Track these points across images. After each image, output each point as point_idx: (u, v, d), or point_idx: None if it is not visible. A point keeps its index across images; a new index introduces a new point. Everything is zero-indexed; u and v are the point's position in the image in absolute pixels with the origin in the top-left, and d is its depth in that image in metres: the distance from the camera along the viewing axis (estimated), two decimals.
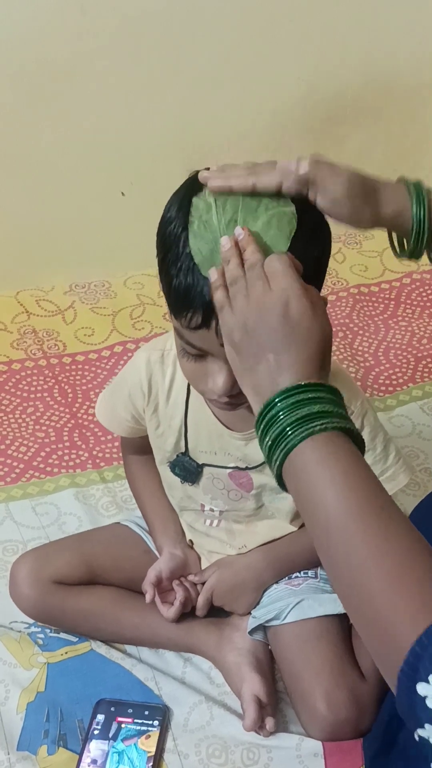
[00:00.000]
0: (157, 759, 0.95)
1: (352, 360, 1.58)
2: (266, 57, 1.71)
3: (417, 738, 0.54)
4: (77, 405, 1.49)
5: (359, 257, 1.86)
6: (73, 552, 1.07)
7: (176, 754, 0.96)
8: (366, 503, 0.58)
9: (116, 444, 1.39)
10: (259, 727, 0.96)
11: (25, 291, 1.75)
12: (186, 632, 1.05)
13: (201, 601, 1.04)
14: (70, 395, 1.51)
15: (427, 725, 0.53)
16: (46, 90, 1.60)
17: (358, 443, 0.62)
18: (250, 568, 1.03)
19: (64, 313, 1.70)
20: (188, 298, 0.73)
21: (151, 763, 0.93)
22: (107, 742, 0.96)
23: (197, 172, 0.76)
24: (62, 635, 1.08)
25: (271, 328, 0.64)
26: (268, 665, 1.03)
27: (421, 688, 0.52)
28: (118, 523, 1.15)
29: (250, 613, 1.04)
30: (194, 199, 0.74)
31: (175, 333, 0.80)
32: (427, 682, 0.51)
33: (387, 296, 1.76)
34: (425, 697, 0.52)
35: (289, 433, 0.61)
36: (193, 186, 0.75)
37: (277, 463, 0.62)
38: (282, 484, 0.64)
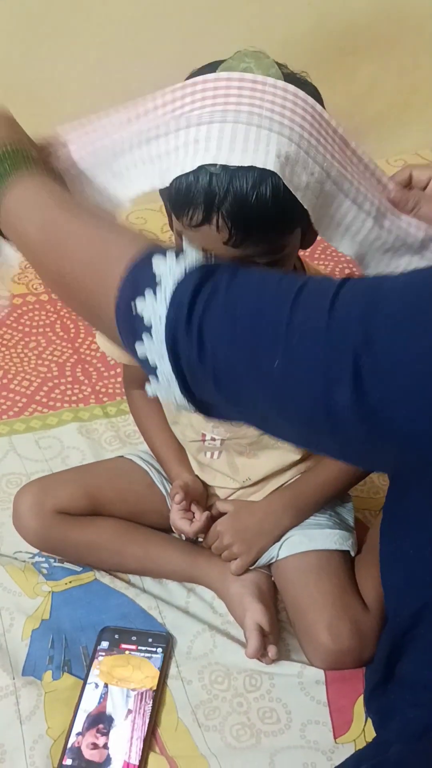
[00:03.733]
0: (161, 685, 0.96)
1: None
2: None
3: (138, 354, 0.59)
4: (80, 340, 1.48)
5: None
6: (76, 483, 1.07)
7: (179, 680, 0.97)
8: (65, 206, 0.67)
9: (119, 379, 1.38)
10: (261, 655, 0.97)
11: None
12: (190, 563, 1.06)
13: (210, 535, 1.03)
14: (73, 330, 1.49)
15: (145, 337, 0.58)
16: (48, 23, 1.55)
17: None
18: (269, 513, 1.02)
19: None
20: (189, 195, 0.72)
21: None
22: None
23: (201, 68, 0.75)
24: (66, 565, 1.08)
25: None
26: (271, 595, 1.03)
27: (139, 305, 0.57)
28: (122, 456, 1.15)
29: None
30: None
31: (176, 237, 0.79)
32: (143, 296, 0.57)
33: None
34: (141, 313, 0.57)
35: None
36: None
37: None
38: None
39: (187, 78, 0.75)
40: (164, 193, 0.77)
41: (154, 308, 0.57)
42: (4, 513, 1.14)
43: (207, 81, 0.72)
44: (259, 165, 0.69)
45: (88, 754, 0.89)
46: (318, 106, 0.72)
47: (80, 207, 0.69)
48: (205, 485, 1.06)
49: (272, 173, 0.69)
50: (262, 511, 1.02)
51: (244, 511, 1.03)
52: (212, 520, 1.03)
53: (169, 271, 0.57)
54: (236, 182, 0.70)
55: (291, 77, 0.73)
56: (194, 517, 1.02)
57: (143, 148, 0.75)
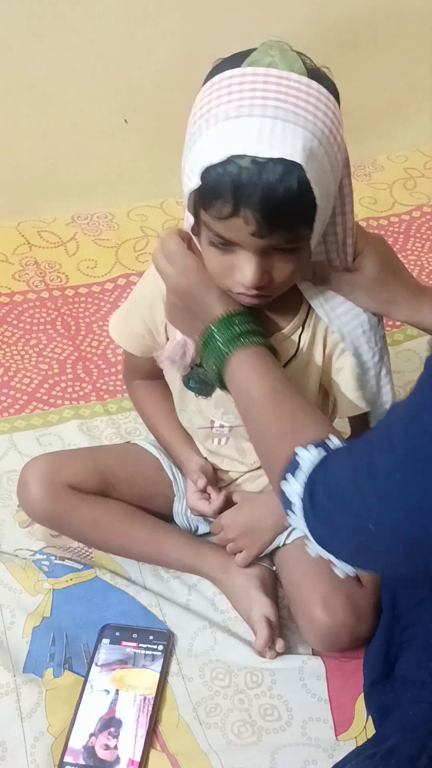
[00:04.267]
0: (162, 682, 0.96)
1: None
2: None
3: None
4: (80, 338, 1.47)
5: (368, 189, 1.81)
6: (87, 460, 1.06)
7: (180, 677, 0.97)
8: (268, 390, 0.83)
9: (120, 377, 1.38)
10: (269, 647, 0.97)
11: (26, 222, 1.71)
12: (194, 553, 1.06)
13: (216, 524, 1.03)
14: (73, 328, 1.49)
15: (289, 512, 0.75)
16: (47, 15, 1.54)
17: (273, 352, 0.86)
18: (274, 507, 1.00)
19: (67, 245, 1.67)
20: (219, 188, 0.74)
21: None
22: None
23: (220, 60, 0.78)
24: (67, 562, 1.08)
25: (183, 292, 0.86)
26: (274, 589, 1.04)
27: (284, 485, 0.74)
28: (129, 441, 1.15)
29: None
30: None
31: (203, 227, 0.81)
32: (287, 480, 0.74)
33: (396, 230, 1.72)
34: (285, 491, 0.74)
35: (224, 349, 0.84)
36: None
37: (217, 370, 0.85)
38: (222, 386, 0.87)
39: (212, 68, 0.79)
40: (185, 181, 0.79)
41: (294, 489, 0.72)
42: (5, 510, 1.14)
43: (233, 77, 0.75)
44: (288, 157, 0.72)
45: (102, 754, 0.90)
46: (336, 108, 0.77)
47: (293, 387, 0.83)
48: (214, 468, 1.06)
49: (297, 166, 0.73)
50: (267, 506, 1.02)
51: (248, 505, 1.03)
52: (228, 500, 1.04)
53: (308, 459, 0.73)
54: (265, 176, 0.72)
55: (314, 71, 0.77)
56: (211, 497, 1.03)
57: (188, 158, 0.79)
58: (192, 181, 0.77)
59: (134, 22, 1.61)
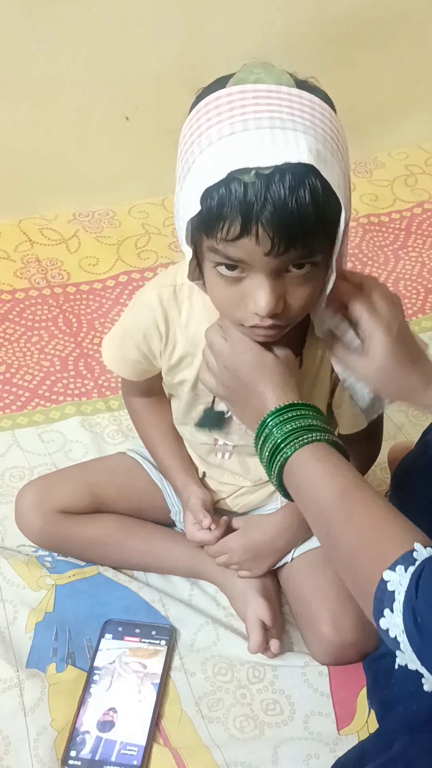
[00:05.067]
0: (164, 677, 0.96)
1: None
2: None
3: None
4: (82, 335, 1.48)
5: (369, 186, 1.81)
6: (77, 481, 1.07)
7: (183, 672, 0.98)
8: (338, 495, 0.72)
9: None
10: (263, 649, 0.97)
11: (28, 219, 1.71)
12: (193, 558, 1.06)
13: (216, 548, 1.01)
14: (75, 325, 1.50)
15: (398, 653, 0.66)
16: (47, 11, 1.54)
17: (338, 448, 0.75)
18: (283, 531, 1.00)
19: (68, 242, 1.67)
20: (223, 208, 0.68)
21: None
22: None
23: (202, 89, 0.73)
24: (69, 559, 1.08)
25: (242, 375, 0.78)
26: (274, 589, 1.03)
27: (383, 623, 0.66)
28: (123, 453, 1.14)
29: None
30: None
31: (206, 256, 0.74)
32: (384, 616, 0.65)
33: (397, 226, 1.72)
34: (387, 630, 0.66)
35: (282, 446, 0.74)
36: None
37: (276, 472, 0.75)
38: (281, 489, 0.76)
39: (196, 97, 0.74)
40: (182, 214, 0.73)
41: (395, 623, 0.64)
42: (8, 506, 1.15)
43: (219, 98, 0.70)
44: (294, 160, 0.66)
45: (105, 749, 0.90)
46: (334, 116, 0.72)
47: (366, 486, 0.73)
48: (214, 481, 1.04)
49: (307, 175, 0.67)
50: (275, 529, 1.00)
51: (255, 529, 1.01)
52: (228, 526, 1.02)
53: (400, 584, 0.64)
54: (273, 188, 0.66)
55: (302, 84, 0.72)
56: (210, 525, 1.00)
57: (183, 188, 0.73)
58: (191, 207, 0.70)
59: (135, 19, 1.61)
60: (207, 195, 0.68)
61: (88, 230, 1.70)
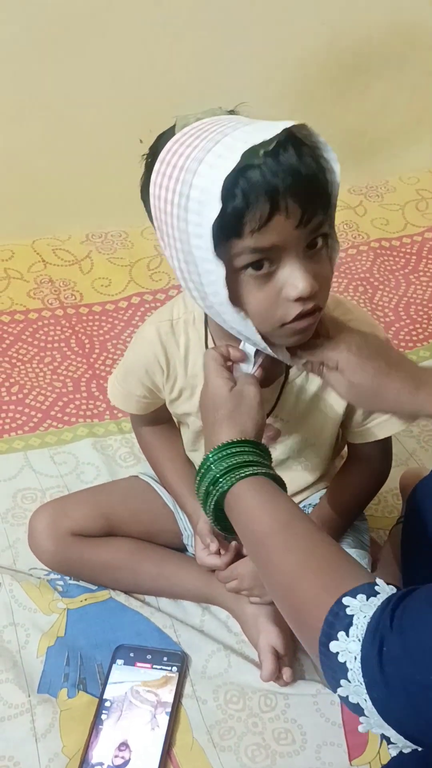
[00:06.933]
0: (176, 704, 0.96)
1: (371, 315, 1.56)
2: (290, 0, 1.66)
3: (339, 699, 0.63)
4: (95, 356, 1.48)
5: (381, 211, 1.82)
6: (90, 504, 1.07)
7: (194, 700, 0.97)
8: (276, 525, 0.72)
9: None
10: (276, 677, 0.97)
11: (41, 240, 1.73)
12: (205, 584, 1.06)
13: (227, 574, 1.00)
14: (88, 346, 1.50)
15: (342, 681, 0.61)
16: (65, 36, 1.57)
17: (276, 481, 0.76)
18: None
19: (81, 263, 1.68)
20: (247, 196, 0.69)
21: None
22: None
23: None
24: (81, 583, 1.08)
25: (204, 408, 0.81)
26: None
27: (333, 645, 0.61)
28: (135, 476, 1.15)
29: None
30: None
31: (234, 263, 0.72)
32: (337, 639, 0.61)
33: (408, 251, 1.73)
34: (337, 653, 0.61)
35: (220, 480, 0.75)
36: None
37: (212, 506, 0.76)
38: (216, 523, 0.78)
39: (147, 157, 0.82)
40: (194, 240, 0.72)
41: (348, 650, 0.61)
42: (20, 529, 1.15)
43: (184, 134, 0.73)
44: (288, 126, 0.69)
45: None
46: None
47: (306, 518, 0.73)
48: None
49: (302, 141, 0.71)
50: None
51: None
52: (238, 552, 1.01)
53: (360, 610, 0.61)
54: (283, 160, 0.69)
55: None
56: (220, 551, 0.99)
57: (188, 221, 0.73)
58: (210, 209, 0.69)
59: (150, 44, 1.63)
60: (228, 196, 0.68)
61: (101, 251, 1.71)
